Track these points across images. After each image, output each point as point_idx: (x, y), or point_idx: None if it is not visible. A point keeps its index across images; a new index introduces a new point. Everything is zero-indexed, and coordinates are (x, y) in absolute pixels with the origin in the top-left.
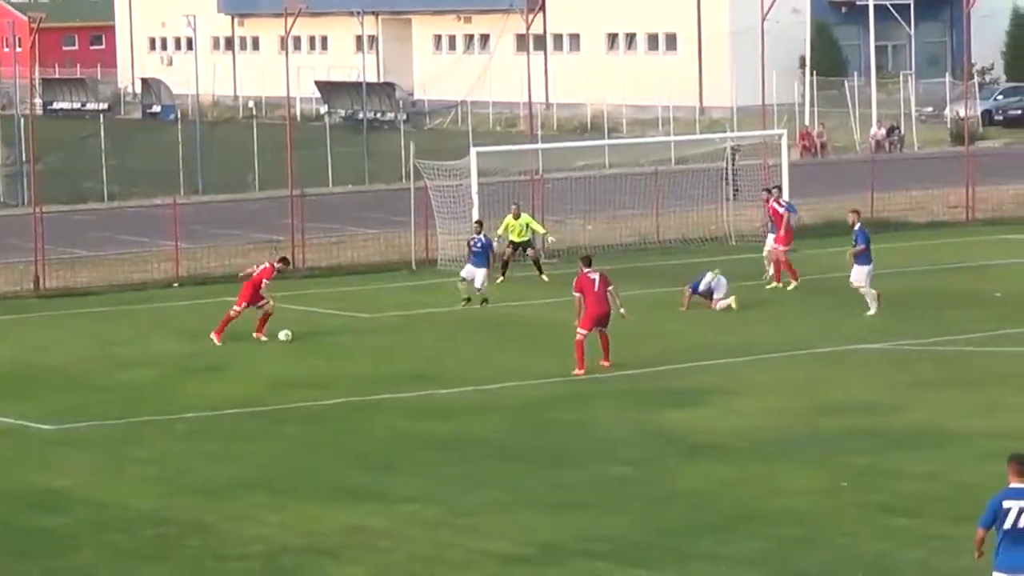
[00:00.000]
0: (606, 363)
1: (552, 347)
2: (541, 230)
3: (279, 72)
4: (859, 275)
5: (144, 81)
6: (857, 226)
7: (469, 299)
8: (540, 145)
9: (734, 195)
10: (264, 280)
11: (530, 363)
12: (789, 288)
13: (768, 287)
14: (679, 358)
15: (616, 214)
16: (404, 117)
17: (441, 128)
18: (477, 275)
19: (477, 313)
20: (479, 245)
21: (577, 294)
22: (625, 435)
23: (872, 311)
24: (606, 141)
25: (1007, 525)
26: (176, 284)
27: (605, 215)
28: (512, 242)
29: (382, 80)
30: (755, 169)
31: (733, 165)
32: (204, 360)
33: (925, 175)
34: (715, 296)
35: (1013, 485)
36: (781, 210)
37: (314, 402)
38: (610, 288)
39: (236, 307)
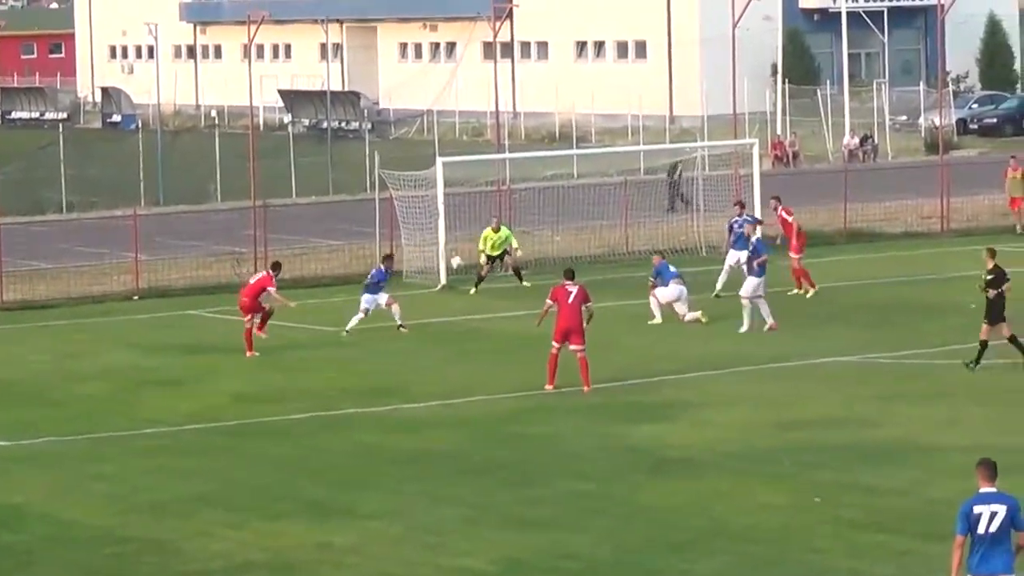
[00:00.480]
0: (586, 388)
1: (519, 360)
2: (515, 244)
3: (242, 81)
4: (748, 287)
5: (104, 90)
6: (754, 237)
7: (365, 314)
8: (507, 155)
9: (684, 207)
10: (267, 288)
11: (497, 377)
12: (808, 296)
13: (791, 293)
14: (648, 371)
15: (585, 225)
16: (369, 126)
17: (407, 137)
18: (380, 299)
19: (444, 326)
20: (379, 279)
21: (549, 302)
22: (592, 450)
23: (745, 328)
24: (574, 151)
25: (979, 530)
26: (136, 297)
27: (573, 226)
28: (488, 256)
29: (347, 89)
30: (726, 179)
31: (673, 177)
32: (165, 374)
33: (899, 185)
34: (676, 307)
35: (983, 490)
36: (790, 219)
37: (277, 417)
38: (588, 304)
39: (246, 321)
